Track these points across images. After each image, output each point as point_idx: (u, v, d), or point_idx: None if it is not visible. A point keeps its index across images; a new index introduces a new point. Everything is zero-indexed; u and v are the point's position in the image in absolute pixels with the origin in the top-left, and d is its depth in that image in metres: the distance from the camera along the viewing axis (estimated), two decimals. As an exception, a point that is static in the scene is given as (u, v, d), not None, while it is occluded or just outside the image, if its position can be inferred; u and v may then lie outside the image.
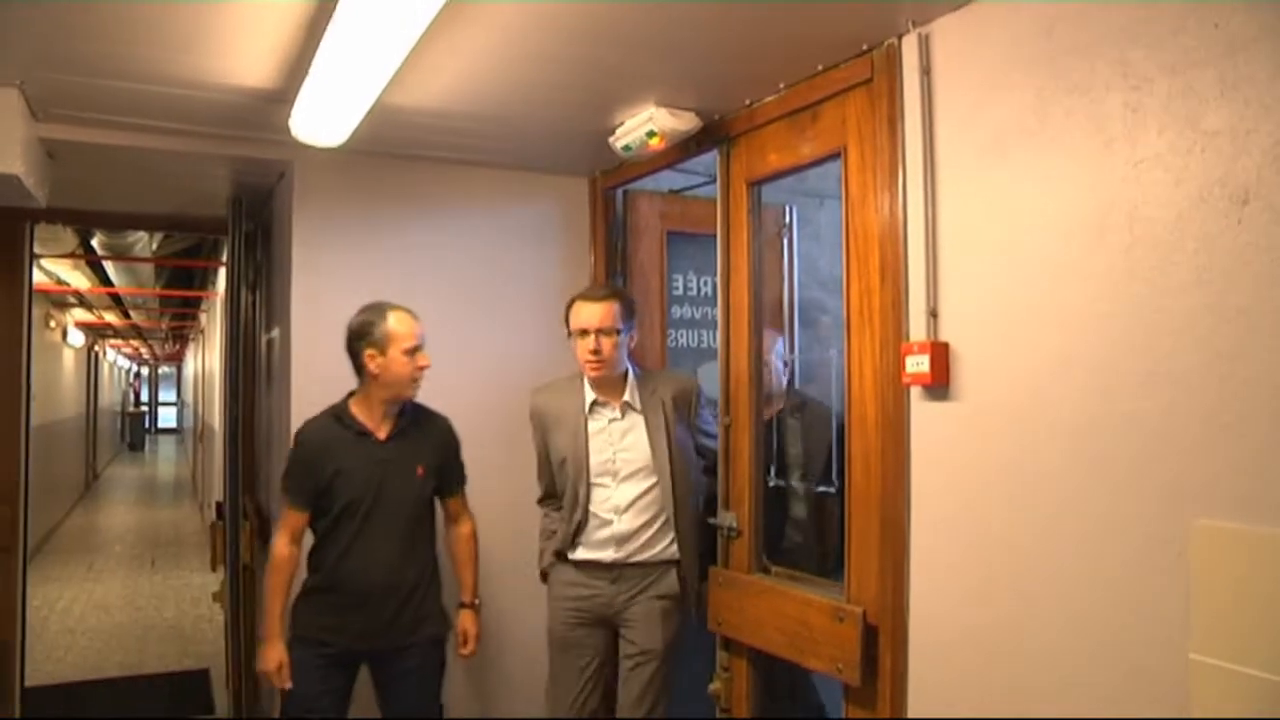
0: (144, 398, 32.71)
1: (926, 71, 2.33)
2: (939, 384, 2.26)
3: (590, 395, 3.16)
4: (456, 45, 2.46)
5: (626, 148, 3.14)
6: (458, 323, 3.75)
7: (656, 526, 3.08)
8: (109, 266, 8.04)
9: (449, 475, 3.16)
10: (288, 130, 3.01)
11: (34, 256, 4.47)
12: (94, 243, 6.84)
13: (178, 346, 21.39)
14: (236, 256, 4.18)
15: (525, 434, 3.43)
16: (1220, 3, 1.70)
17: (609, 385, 3.14)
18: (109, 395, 21.00)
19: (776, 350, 3.46)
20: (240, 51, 2.57)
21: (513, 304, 3.88)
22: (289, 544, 2.99)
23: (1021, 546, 2.08)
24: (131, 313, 12.68)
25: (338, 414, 3.02)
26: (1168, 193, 1.78)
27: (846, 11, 2.33)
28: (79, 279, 8.53)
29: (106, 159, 3.52)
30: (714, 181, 3.27)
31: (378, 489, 2.95)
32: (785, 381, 3.51)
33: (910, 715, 2.36)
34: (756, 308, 3.07)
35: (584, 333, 3.06)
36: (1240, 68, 1.68)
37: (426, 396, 3.18)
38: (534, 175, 3.91)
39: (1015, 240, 2.11)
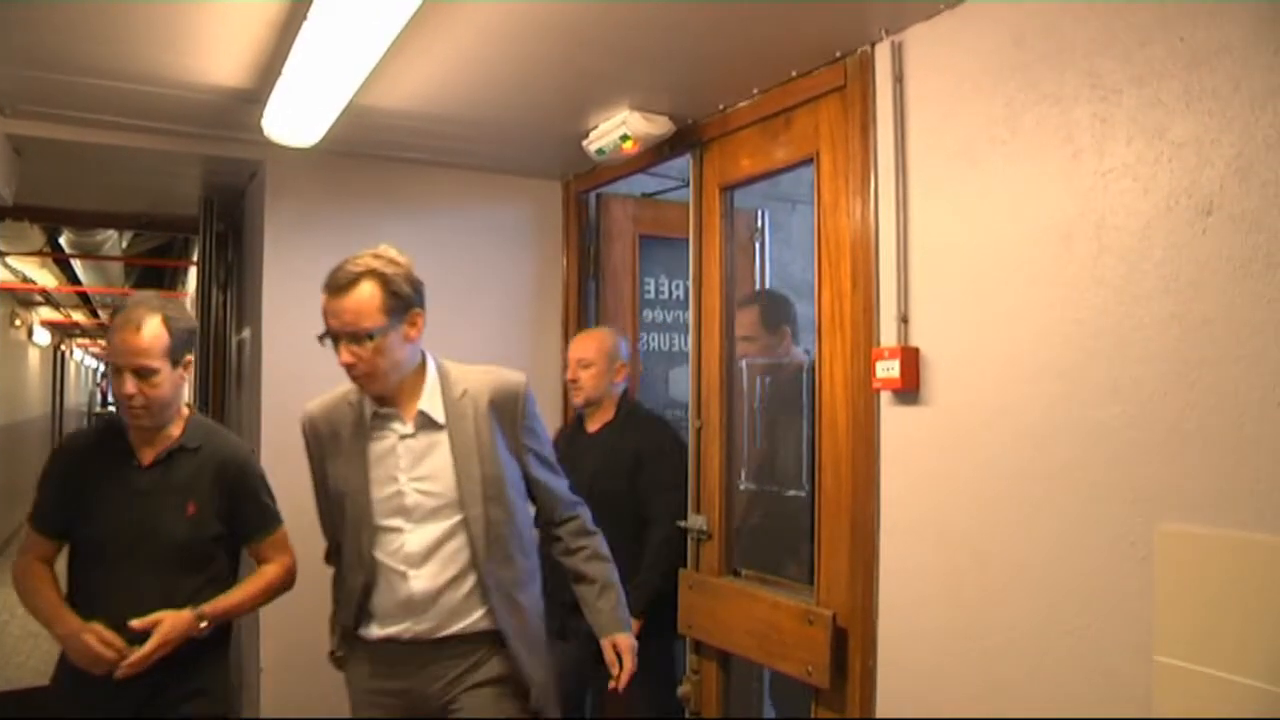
0: (110, 398, 32.34)
1: (899, 79, 2.34)
2: (909, 389, 2.28)
3: (369, 406, 2.30)
4: (431, 46, 2.46)
5: (600, 151, 3.14)
6: (430, 324, 3.71)
7: (469, 585, 2.22)
8: (77, 265, 7.95)
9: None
10: (260, 130, 3.00)
11: (-1, 254, 4.41)
12: (62, 241, 6.76)
13: (146, 346, 21.07)
14: (208, 256, 4.16)
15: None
16: (1185, 17, 1.73)
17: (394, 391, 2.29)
18: (76, 395, 20.75)
19: (611, 353, 3.25)
20: (213, 50, 2.56)
21: (485, 306, 3.87)
22: None
23: (990, 550, 2.10)
24: (100, 312, 12.54)
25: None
26: (1135, 202, 1.81)
27: (820, 19, 2.34)
28: (46, 278, 8.44)
29: (75, 156, 3.49)
30: (687, 185, 3.28)
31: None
32: (621, 390, 3.30)
33: (879, 717, 2.37)
34: (728, 312, 3.08)
35: (333, 336, 2.22)
36: (1204, 80, 1.71)
37: None
38: (507, 178, 3.91)
39: (985, 247, 2.13)
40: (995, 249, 2.10)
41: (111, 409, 29.74)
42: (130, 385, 2.24)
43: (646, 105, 2.98)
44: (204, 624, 2.28)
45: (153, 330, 2.25)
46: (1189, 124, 1.73)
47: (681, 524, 3.13)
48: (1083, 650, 1.88)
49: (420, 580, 2.20)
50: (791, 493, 3.06)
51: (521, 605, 2.27)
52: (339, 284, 2.21)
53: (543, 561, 2.39)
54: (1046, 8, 1.99)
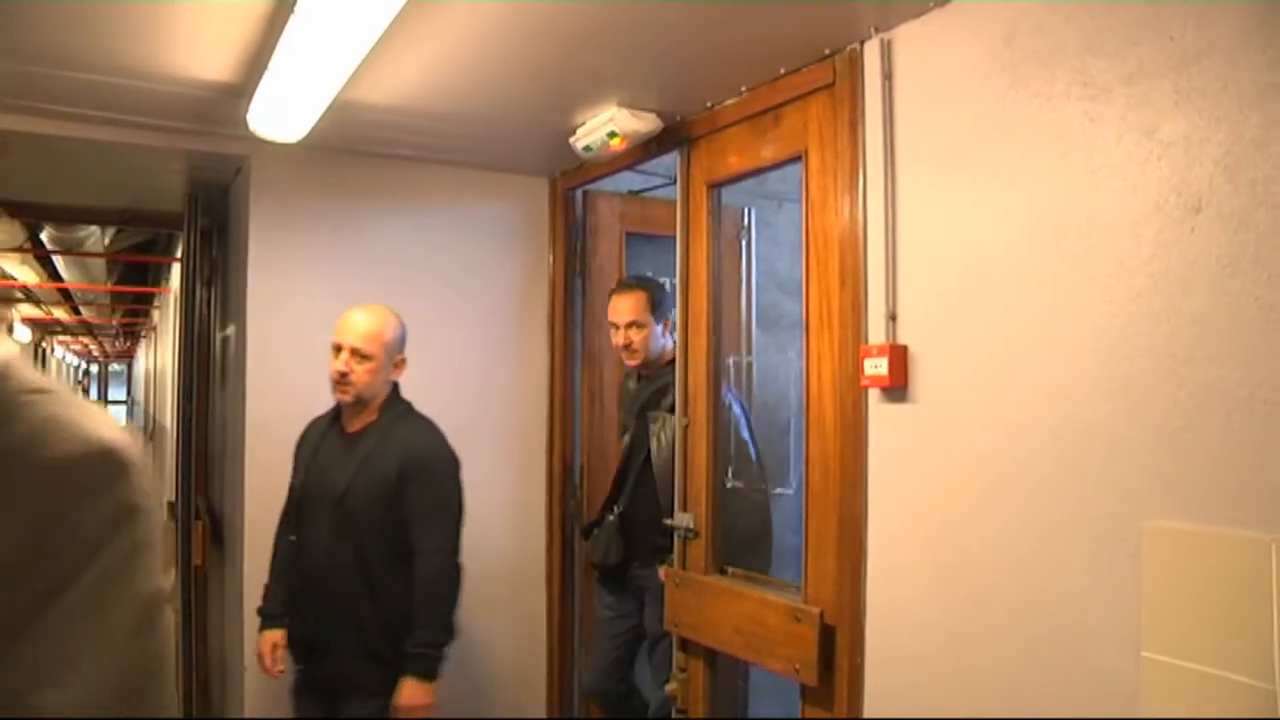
0: (93, 396, 32.14)
1: (888, 77, 2.34)
2: (897, 386, 2.28)
3: None
4: (419, 41, 2.45)
5: (587, 148, 3.13)
6: (416, 321, 3.71)
7: None
8: (59, 261, 7.88)
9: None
10: (245, 125, 2.98)
11: (-21, 250, 4.38)
12: (43, 236, 6.71)
13: (129, 344, 21.04)
14: (192, 252, 4.12)
15: (491, 429, 3.44)
16: (1175, 17, 1.74)
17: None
18: (57, 393, 20.57)
19: (392, 344, 2.99)
20: (198, 44, 2.53)
21: (471, 303, 3.86)
22: None
23: (978, 547, 2.10)
24: (82, 309, 12.46)
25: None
26: (1124, 200, 1.82)
27: (809, 16, 2.34)
28: (27, 274, 8.37)
29: (58, 151, 3.45)
30: (673, 183, 3.28)
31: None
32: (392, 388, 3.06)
33: (866, 715, 2.37)
34: (715, 309, 3.08)
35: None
36: (1194, 79, 1.71)
37: None
38: (494, 175, 3.89)
39: (974, 245, 2.13)
40: (984, 247, 2.11)
41: (92, 406, 29.64)
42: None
43: (634, 102, 2.97)
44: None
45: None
46: (1178, 123, 1.74)
47: (667, 520, 3.12)
48: (1070, 646, 1.89)
49: None
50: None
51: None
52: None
53: None
54: (1036, 6, 1.99)
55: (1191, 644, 1.67)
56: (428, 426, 2.96)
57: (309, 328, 3.53)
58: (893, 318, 2.31)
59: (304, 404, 3.49)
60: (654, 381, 3.45)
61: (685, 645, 3.06)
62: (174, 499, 4.21)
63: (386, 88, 2.81)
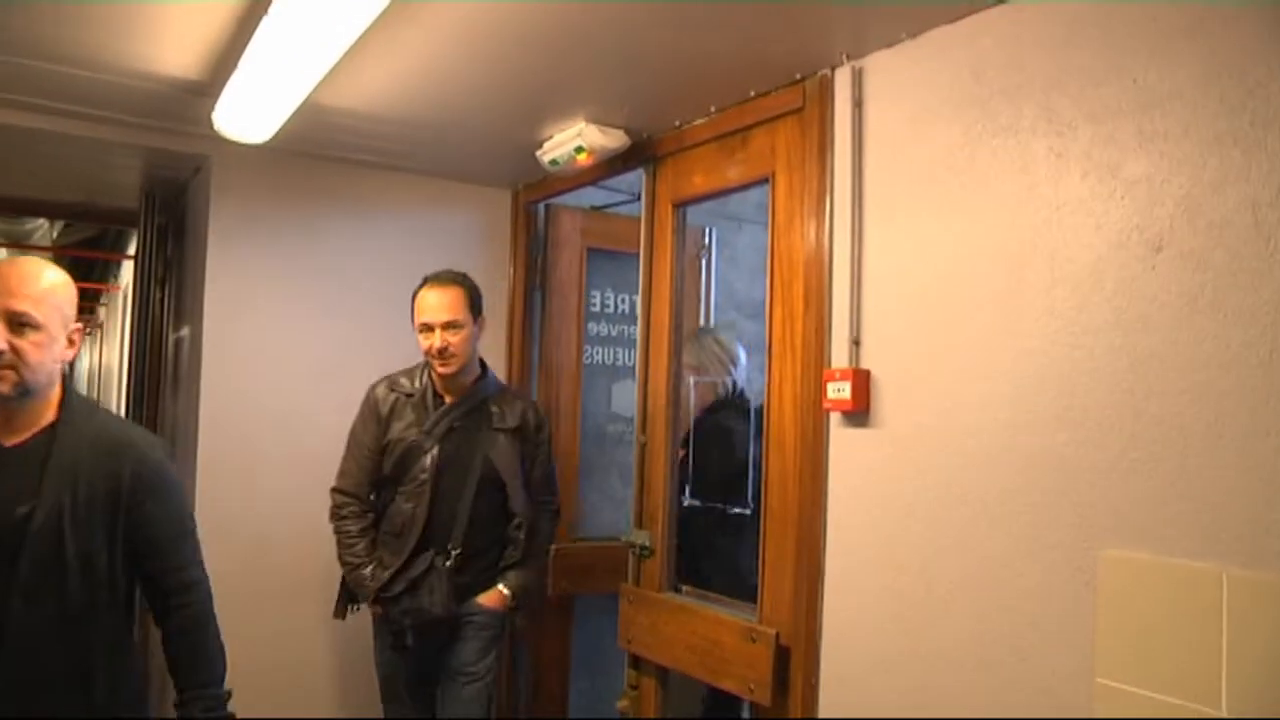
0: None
1: (858, 104, 2.37)
2: (859, 410, 2.30)
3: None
4: (392, 47, 2.43)
5: (554, 162, 3.13)
6: (375, 327, 3.69)
7: None
8: (2, 254, 7.71)
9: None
10: (207, 123, 2.94)
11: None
12: (-12, 228, 6.57)
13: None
14: (147, 251, 4.05)
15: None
16: (1139, 60, 1.78)
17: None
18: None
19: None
20: (164, 38, 2.50)
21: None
22: None
23: (935, 571, 2.12)
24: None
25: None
26: (1088, 236, 1.85)
27: (781, 40, 2.36)
28: (-31, 266, 8.17)
29: (7, 141, 3.38)
30: (636, 200, 3.28)
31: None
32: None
33: (820, 736, 2.39)
34: (677, 328, 3.09)
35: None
36: (1156, 122, 1.76)
37: (327, 400, 3.37)
38: (457, 184, 3.88)
39: (939, 273, 2.16)
40: (949, 276, 2.14)
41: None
42: None
43: (602, 118, 2.98)
44: None
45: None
46: (1141, 163, 1.78)
47: (623, 537, 3.12)
48: (1025, 671, 1.91)
49: None
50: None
51: None
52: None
53: None
54: (1006, 42, 2.03)
55: (1144, 671, 1.70)
56: None
57: (267, 331, 3.50)
58: (856, 342, 2.34)
59: (260, 407, 3.45)
60: (470, 398, 3.09)
61: (637, 663, 3.06)
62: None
63: (355, 93, 2.79)
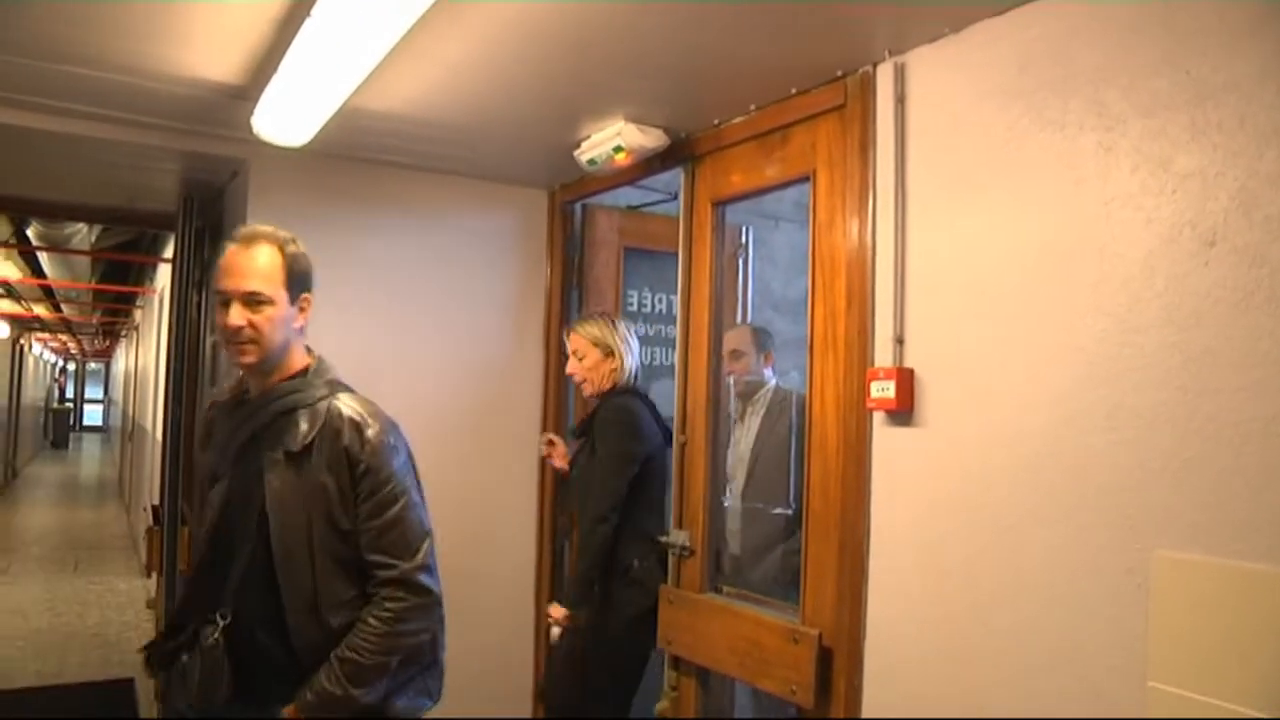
0: (69, 394, 31.87)
1: (901, 100, 2.35)
2: (903, 409, 2.28)
3: None
4: (431, 49, 2.44)
5: (592, 161, 3.13)
6: (412, 330, 3.71)
7: None
8: (43, 257, 7.81)
9: None
10: (246, 127, 2.96)
11: (-37, 245, 4.32)
12: (29, 232, 6.65)
13: (108, 342, 20.88)
14: (185, 254, 4.09)
15: (484, 437, 3.42)
16: (1193, 52, 1.75)
17: None
18: (33, 390, 20.41)
19: None
20: (206, 44, 2.52)
21: (466, 314, 3.84)
22: None
23: (982, 573, 2.10)
24: (63, 306, 12.35)
25: None
26: (1138, 231, 1.82)
27: (822, 38, 2.34)
28: (9, 269, 8.29)
29: (52, 146, 3.41)
30: (673, 199, 3.26)
31: None
32: None
33: (863, 739, 2.37)
34: (716, 327, 3.07)
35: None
36: (1210, 114, 1.72)
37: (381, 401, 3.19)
38: (494, 185, 3.88)
39: (984, 270, 2.14)
40: (994, 273, 2.11)
41: (69, 405, 29.29)
42: None
43: (641, 117, 2.97)
44: None
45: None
46: (1194, 156, 1.75)
47: (663, 539, 3.11)
48: (1075, 675, 1.88)
49: None
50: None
51: None
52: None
53: None
54: (1053, 35, 2.00)
55: (1198, 675, 1.67)
56: None
57: (305, 333, 3.50)
58: (900, 341, 2.31)
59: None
60: (269, 401, 2.08)
61: (677, 663, 3.04)
62: (159, 503, 4.16)
63: (393, 95, 2.80)
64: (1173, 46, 1.78)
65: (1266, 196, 1.64)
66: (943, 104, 2.27)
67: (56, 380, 26.99)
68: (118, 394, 20.80)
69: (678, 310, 3.18)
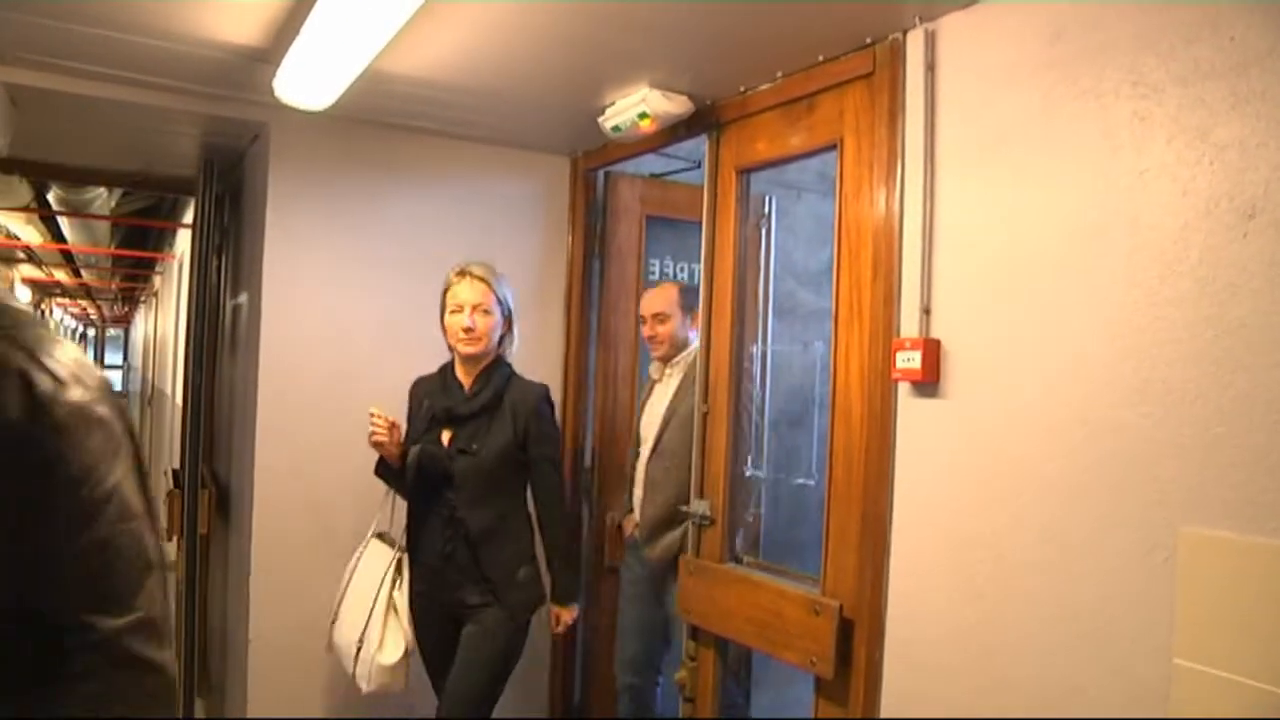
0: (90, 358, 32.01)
1: (931, 68, 2.31)
2: (929, 381, 2.26)
3: None
4: (455, 13, 2.41)
5: (616, 128, 3.10)
6: (433, 293, 3.69)
7: None
8: (63, 222, 7.82)
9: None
10: (267, 90, 2.94)
11: (-15, 208, 4.32)
12: (50, 197, 6.65)
13: (127, 308, 20.96)
14: (205, 219, 4.08)
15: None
16: (1236, 17, 1.71)
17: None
18: (53, 354, 20.48)
19: None
20: (227, 5, 2.49)
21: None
22: None
23: (1007, 547, 2.08)
24: (83, 271, 12.39)
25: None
26: (1173, 202, 1.79)
27: (853, 4, 2.31)
28: (31, 234, 8.30)
29: (73, 110, 3.40)
30: (695, 167, 3.23)
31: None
32: None
33: (883, 710, 2.36)
34: (739, 297, 3.05)
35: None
36: (1253, 82, 1.68)
37: (387, 367, 3.37)
38: (516, 152, 3.86)
39: (1014, 241, 2.11)
40: (1025, 244, 2.08)
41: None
42: None
43: (666, 84, 2.94)
44: None
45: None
46: (1234, 126, 1.71)
47: (684, 507, 3.11)
48: (1099, 650, 1.87)
49: None
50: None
51: None
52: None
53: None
54: (1088, 2, 1.96)
55: (1225, 653, 1.65)
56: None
57: (325, 298, 3.51)
58: (926, 311, 2.29)
59: (318, 374, 3.47)
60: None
61: (696, 633, 3.05)
62: (179, 467, 4.18)
63: (416, 59, 2.77)
64: (1214, 11, 1.74)
65: (1309, 168, 1.61)
66: (974, 72, 2.23)
67: (78, 345, 27.14)
68: (136, 360, 20.91)
69: (700, 279, 3.16)
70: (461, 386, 3.01)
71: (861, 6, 2.32)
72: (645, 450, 3.51)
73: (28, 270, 11.69)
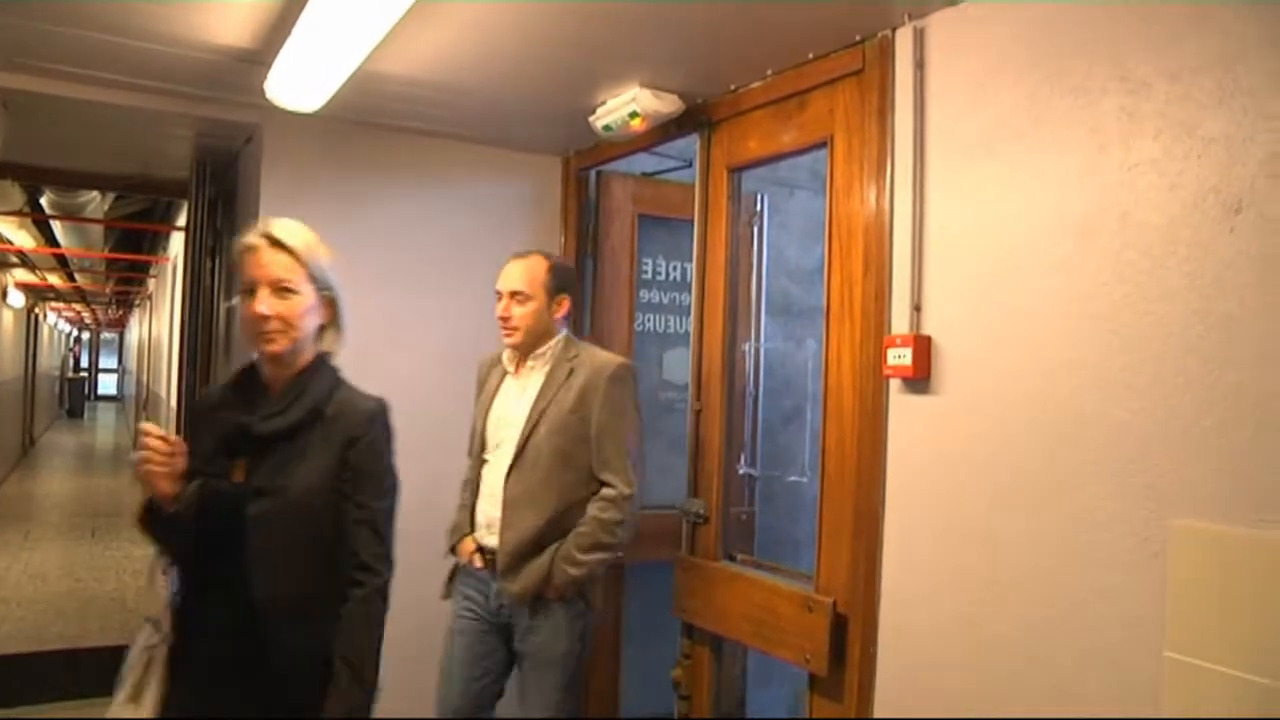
0: (84, 363, 32.04)
1: (920, 65, 2.32)
2: (920, 377, 2.27)
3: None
4: (447, 15, 2.42)
5: (607, 127, 3.11)
6: (427, 294, 3.70)
7: None
8: (56, 226, 7.83)
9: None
10: (259, 92, 2.95)
11: (-23, 213, 4.32)
12: (43, 201, 6.66)
13: (121, 312, 20.95)
14: (198, 221, 4.08)
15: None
16: (1222, 11, 1.72)
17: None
18: (48, 359, 20.52)
19: None
20: (219, 7, 2.50)
21: (480, 280, 3.81)
22: None
23: (998, 541, 2.09)
24: (77, 275, 12.39)
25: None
26: (1161, 197, 1.80)
27: (841, 2, 2.31)
28: (24, 238, 8.31)
29: (66, 113, 3.41)
30: (687, 166, 3.23)
31: None
32: None
33: (876, 706, 2.37)
34: (732, 295, 3.06)
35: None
36: (1240, 77, 1.69)
37: (390, 368, 3.16)
38: (508, 152, 3.86)
39: (1004, 237, 2.12)
40: (1014, 240, 2.09)
41: (84, 374, 29.44)
42: None
43: (657, 83, 2.94)
44: None
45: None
46: (1221, 121, 1.72)
47: (678, 505, 3.11)
48: (1091, 644, 1.88)
49: None
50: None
51: None
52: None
53: None
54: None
55: (1216, 645, 1.66)
56: None
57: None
58: (917, 308, 2.30)
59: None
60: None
61: (691, 631, 3.06)
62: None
63: (408, 60, 2.78)
64: (1202, 8, 1.75)
65: (1295, 162, 1.62)
66: (962, 69, 2.24)
67: (71, 350, 27.09)
68: (131, 363, 20.89)
69: (693, 278, 3.16)
70: (266, 397, 2.04)
71: (851, 5, 2.33)
72: (501, 459, 2.77)
73: (21, 274, 11.68)
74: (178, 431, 3.37)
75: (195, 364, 4.11)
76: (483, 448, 2.87)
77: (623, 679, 3.93)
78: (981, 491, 2.14)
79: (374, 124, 3.55)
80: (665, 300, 4.16)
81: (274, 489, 1.94)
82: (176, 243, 6.83)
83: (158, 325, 10.78)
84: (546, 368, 2.82)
